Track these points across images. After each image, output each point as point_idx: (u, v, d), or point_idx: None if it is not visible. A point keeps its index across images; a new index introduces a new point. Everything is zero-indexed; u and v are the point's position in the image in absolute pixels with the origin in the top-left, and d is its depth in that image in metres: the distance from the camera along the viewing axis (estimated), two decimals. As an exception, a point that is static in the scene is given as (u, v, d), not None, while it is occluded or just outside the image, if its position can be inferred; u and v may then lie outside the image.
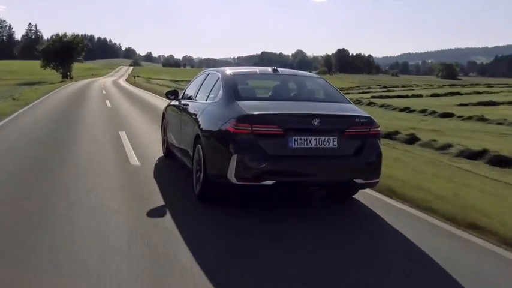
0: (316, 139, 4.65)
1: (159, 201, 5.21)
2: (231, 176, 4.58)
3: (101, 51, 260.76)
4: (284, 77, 6.10)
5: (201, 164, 5.10)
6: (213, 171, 4.89)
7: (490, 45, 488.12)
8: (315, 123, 4.65)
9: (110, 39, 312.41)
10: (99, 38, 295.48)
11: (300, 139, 4.62)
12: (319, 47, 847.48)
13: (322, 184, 4.98)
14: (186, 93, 7.03)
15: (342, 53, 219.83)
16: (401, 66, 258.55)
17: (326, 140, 4.68)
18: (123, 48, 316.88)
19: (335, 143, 4.70)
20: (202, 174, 5.07)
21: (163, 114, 8.07)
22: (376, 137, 5.01)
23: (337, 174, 4.84)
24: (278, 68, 6.11)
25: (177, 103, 7.06)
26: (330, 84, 6.00)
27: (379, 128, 5.08)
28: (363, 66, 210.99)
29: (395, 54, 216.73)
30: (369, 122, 4.93)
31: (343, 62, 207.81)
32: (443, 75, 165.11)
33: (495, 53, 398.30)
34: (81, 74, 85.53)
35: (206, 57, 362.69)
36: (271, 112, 4.75)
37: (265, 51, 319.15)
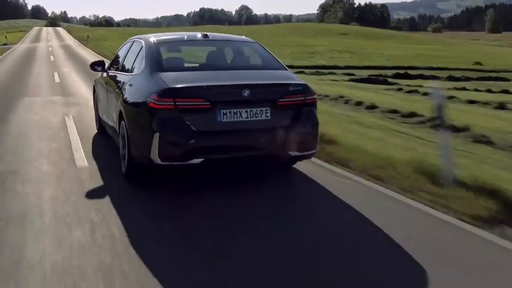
0: (247, 111, 4.37)
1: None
2: (155, 156, 4.28)
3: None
4: (216, 43, 5.66)
5: (125, 142, 4.77)
6: (136, 151, 4.56)
7: (408, 0, 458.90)
8: (245, 94, 4.33)
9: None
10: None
11: (229, 112, 4.32)
12: (266, 3, 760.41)
13: (254, 159, 4.69)
14: (112, 63, 6.43)
15: (346, 4, 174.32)
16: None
17: (258, 111, 4.40)
18: (29, 7, 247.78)
19: (268, 114, 4.43)
20: (126, 153, 4.75)
21: (94, 87, 7.39)
22: (312, 105, 4.72)
23: (271, 148, 4.53)
24: (209, 34, 5.53)
25: (105, 75, 6.40)
26: (266, 49, 5.47)
27: (315, 96, 4.74)
28: (373, 19, 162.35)
29: (315, 11, 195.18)
30: (304, 89, 4.63)
31: (349, 16, 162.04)
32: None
33: (414, 7, 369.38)
34: None
35: (127, 17, 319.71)
36: (196, 84, 4.40)
37: (204, 7, 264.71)
